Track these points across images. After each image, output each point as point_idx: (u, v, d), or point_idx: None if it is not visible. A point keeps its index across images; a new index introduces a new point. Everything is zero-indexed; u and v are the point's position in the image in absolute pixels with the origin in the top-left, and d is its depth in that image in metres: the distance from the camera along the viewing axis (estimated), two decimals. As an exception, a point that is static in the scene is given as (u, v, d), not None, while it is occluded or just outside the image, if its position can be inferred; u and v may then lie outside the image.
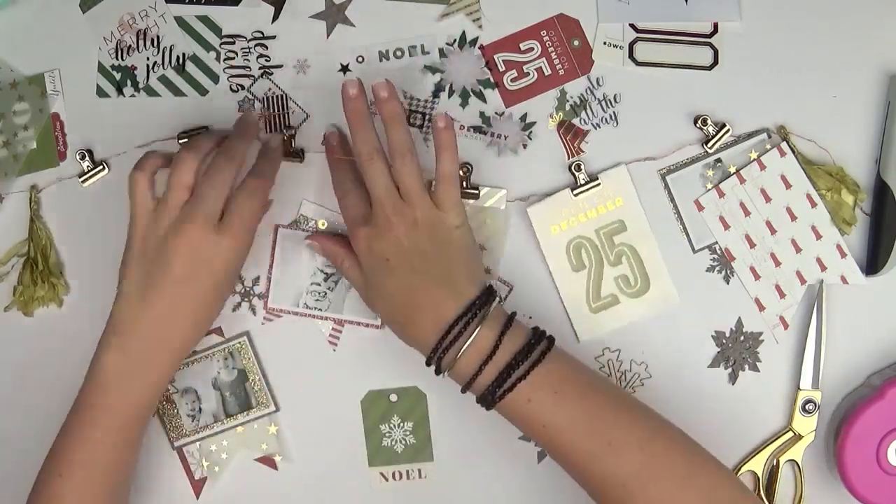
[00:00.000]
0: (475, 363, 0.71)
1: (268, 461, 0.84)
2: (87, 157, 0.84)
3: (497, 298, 0.74)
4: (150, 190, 0.76)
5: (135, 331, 0.74)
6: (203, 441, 0.84)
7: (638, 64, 0.83)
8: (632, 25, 0.83)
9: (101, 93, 0.85)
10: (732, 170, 0.82)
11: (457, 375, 0.73)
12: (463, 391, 0.73)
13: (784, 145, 0.81)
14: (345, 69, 0.84)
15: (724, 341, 0.82)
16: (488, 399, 0.71)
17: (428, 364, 0.73)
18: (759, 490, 0.81)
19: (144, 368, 0.75)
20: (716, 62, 0.82)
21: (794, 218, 0.81)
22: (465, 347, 0.71)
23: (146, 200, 0.75)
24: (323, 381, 0.83)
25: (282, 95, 0.84)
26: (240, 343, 0.83)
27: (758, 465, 0.81)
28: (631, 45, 0.83)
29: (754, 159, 0.82)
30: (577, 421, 0.70)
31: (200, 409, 0.84)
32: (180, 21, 0.85)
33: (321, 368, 0.84)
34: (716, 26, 0.83)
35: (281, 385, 0.84)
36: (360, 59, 0.84)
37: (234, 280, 0.79)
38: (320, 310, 0.83)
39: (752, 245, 0.82)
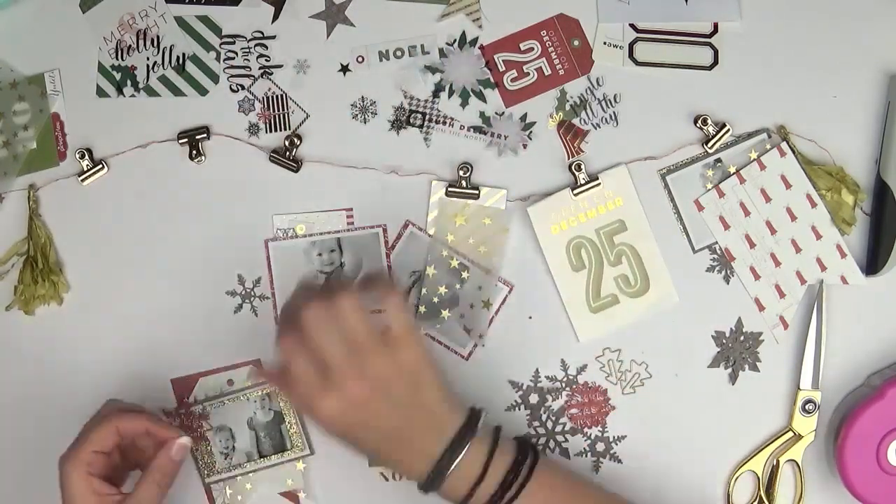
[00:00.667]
0: (465, 488, 0.70)
1: (291, 496, 0.84)
2: (87, 157, 0.84)
3: (481, 417, 0.72)
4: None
5: None
6: (234, 480, 0.84)
7: (638, 64, 0.83)
8: (632, 25, 0.83)
9: (101, 93, 0.85)
10: (732, 170, 0.82)
11: (449, 497, 0.72)
12: None
13: (784, 145, 0.81)
14: (345, 69, 0.84)
15: (724, 341, 0.82)
16: None
17: (424, 491, 0.72)
18: (759, 490, 0.81)
19: None
20: (716, 62, 0.82)
21: (794, 218, 0.81)
22: (451, 474, 0.70)
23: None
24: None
25: (282, 95, 0.84)
26: None
27: (758, 465, 0.81)
28: (631, 45, 0.83)
29: (754, 159, 0.82)
30: None
31: (234, 447, 0.84)
32: (180, 21, 0.85)
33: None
34: (716, 26, 0.83)
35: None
36: (360, 59, 0.84)
37: None
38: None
39: (752, 245, 0.82)
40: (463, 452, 0.70)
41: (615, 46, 0.83)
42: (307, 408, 0.71)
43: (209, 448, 0.84)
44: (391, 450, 0.72)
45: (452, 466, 0.70)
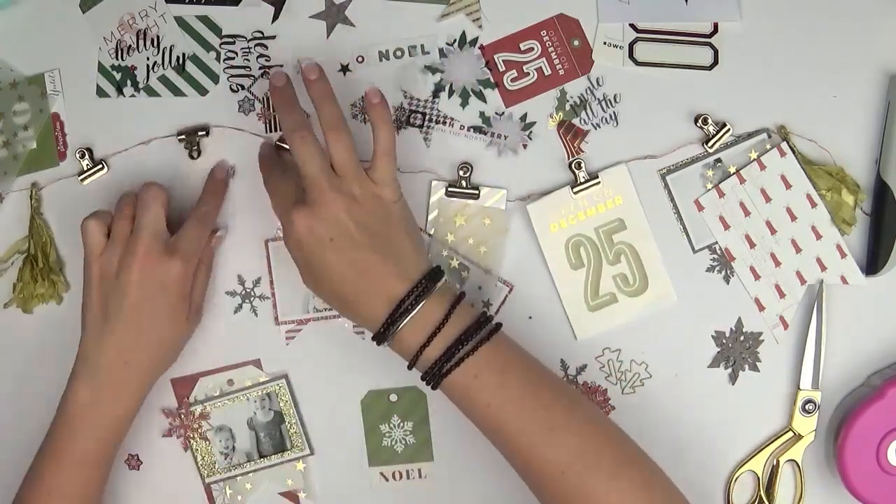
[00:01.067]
0: (423, 336, 0.71)
1: (291, 496, 0.84)
2: (87, 156, 0.84)
3: (444, 276, 0.74)
4: (103, 234, 0.77)
5: (101, 359, 0.76)
6: (233, 479, 0.84)
7: (638, 64, 0.83)
8: (632, 25, 0.83)
9: (101, 93, 0.85)
10: (732, 170, 0.82)
11: (403, 349, 0.73)
12: (410, 367, 0.73)
13: (784, 145, 0.81)
14: (345, 69, 0.84)
15: (724, 341, 0.82)
16: (435, 374, 0.71)
17: (377, 340, 0.73)
18: (759, 490, 0.81)
19: (114, 393, 0.77)
20: (716, 62, 0.82)
21: (794, 218, 0.81)
22: (412, 318, 0.71)
23: (98, 240, 0.77)
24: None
25: (282, 95, 0.84)
26: (278, 385, 0.83)
27: (758, 465, 0.81)
28: (631, 45, 0.83)
29: (754, 159, 0.82)
30: (521, 402, 0.71)
31: (234, 447, 0.84)
32: (180, 21, 0.85)
33: (354, 370, 0.84)
34: (716, 26, 0.83)
35: (316, 426, 0.84)
36: (360, 59, 0.84)
37: (186, 300, 0.79)
38: (331, 309, 0.83)
39: (752, 245, 0.82)
40: (426, 299, 0.71)
41: (615, 46, 0.83)
42: (283, 215, 0.75)
43: (209, 448, 0.84)
44: (354, 285, 0.72)
45: (414, 311, 0.71)
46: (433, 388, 0.72)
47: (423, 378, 0.73)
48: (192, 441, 0.83)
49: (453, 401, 0.73)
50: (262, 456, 0.84)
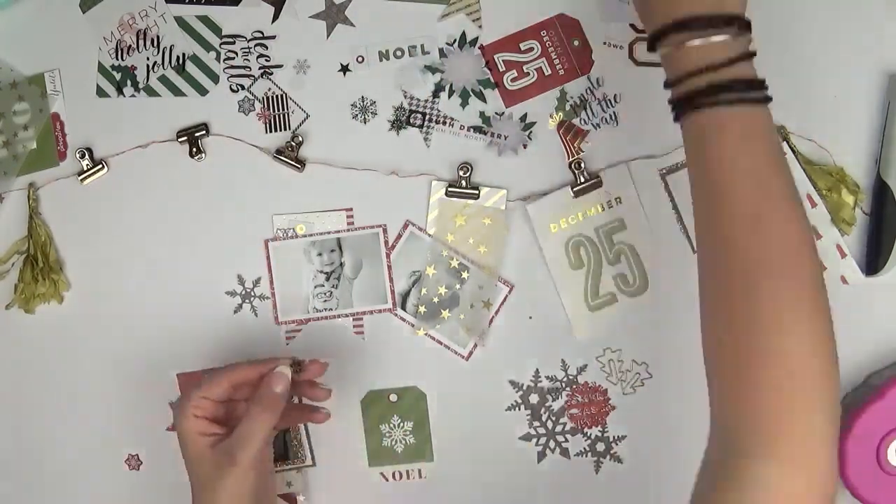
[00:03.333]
0: (703, 60, 0.66)
1: (290, 499, 0.84)
2: (87, 156, 0.84)
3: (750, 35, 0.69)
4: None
5: None
6: None
7: (638, 64, 0.83)
8: (632, 25, 0.83)
9: (101, 93, 0.85)
10: (732, 170, 0.82)
11: (675, 61, 0.67)
12: (667, 85, 0.68)
13: (784, 146, 0.81)
14: (345, 69, 0.84)
15: (724, 341, 0.82)
16: (691, 102, 0.66)
17: (655, 37, 0.68)
18: (759, 490, 0.81)
19: None
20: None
21: (793, 217, 0.81)
22: (707, 41, 0.66)
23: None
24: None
25: (282, 95, 0.84)
26: None
27: (758, 465, 0.81)
28: (631, 46, 0.83)
29: (754, 159, 0.82)
30: (751, 173, 0.66)
31: None
32: (180, 21, 0.85)
33: (354, 370, 0.84)
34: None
35: (316, 426, 0.84)
36: (360, 59, 0.84)
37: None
38: (331, 309, 0.83)
39: (752, 245, 0.82)
40: (741, 35, 0.67)
41: (615, 46, 0.83)
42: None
43: None
44: None
45: (723, 35, 0.66)
46: (676, 119, 0.68)
47: (672, 100, 0.68)
48: None
49: (685, 139, 0.68)
50: None
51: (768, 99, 0.68)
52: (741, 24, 0.68)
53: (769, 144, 0.67)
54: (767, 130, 0.68)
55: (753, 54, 0.68)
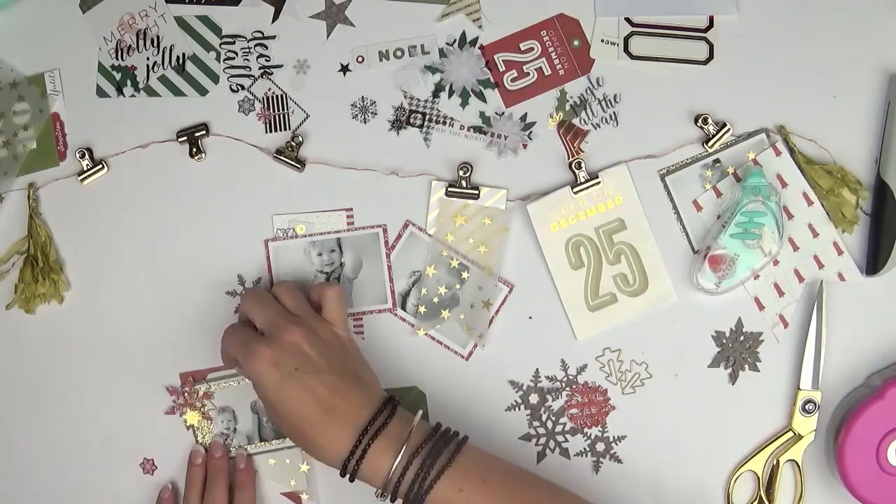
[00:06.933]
0: (393, 455, 0.70)
1: (294, 497, 0.84)
2: (87, 156, 0.84)
3: (399, 401, 0.74)
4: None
5: None
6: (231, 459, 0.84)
7: (633, 58, 0.83)
8: (627, 20, 0.83)
9: (101, 93, 0.85)
10: (731, 170, 0.82)
11: (374, 474, 0.71)
12: (383, 495, 0.71)
13: (780, 144, 0.81)
14: (345, 69, 0.84)
15: (724, 341, 0.82)
16: (419, 494, 0.69)
17: (345, 471, 0.72)
18: (759, 490, 0.81)
19: None
20: (711, 57, 0.82)
21: (790, 216, 0.81)
22: (382, 436, 0.70)
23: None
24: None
25: (282, 95, 0.84)
26: None
27: (758, 465, 0.81)
28: (626, 39, 0.83)
29: (752, 159, 0.82)
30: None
31: (236, 429, 0.84)
32: (180, 21, 0.85)
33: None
34: (711, 21, 0.83)
35: None
36: (360, 59, 0.84)
37: None
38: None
39: (752, 245, 0.82)
40: (393, 419, 0.71)
41: (611, 43, 0.83)
42: (243, 355, 0.73)
43: (211, 427, 0.84)
44: (320, 413, 0.71)
45: (385, 430, 0.71)
46: None
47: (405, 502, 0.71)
48: (190, 416, 0.83)
49: None
50: (262, 440, 0.84)
51: (465, 437, 0.73)
52: (391, 402, 0.73)
53: (499, 469, 0.72)
54: (487, 458, 0.73)
55: (418, 413, 0.73)
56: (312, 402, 0.72)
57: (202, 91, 0.85)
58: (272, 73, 0.84)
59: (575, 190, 0.82)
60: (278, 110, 0.84)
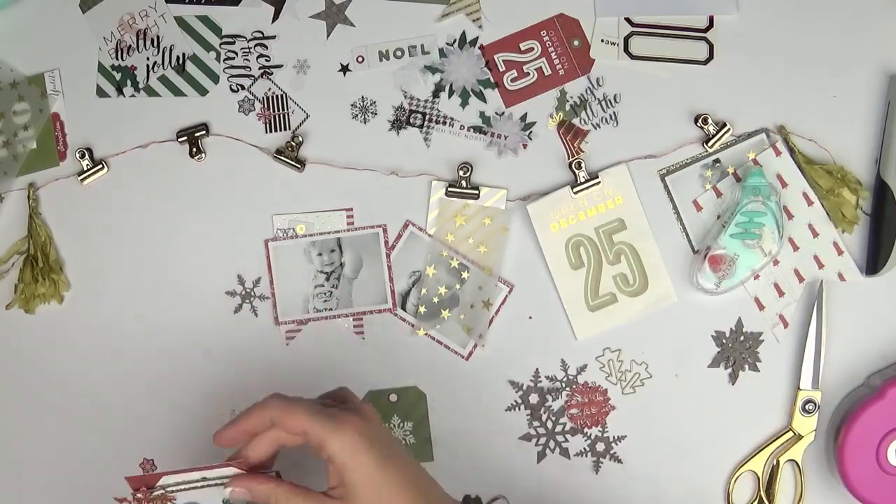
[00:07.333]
0: None
1: None
2: (87, 156, 0.84)
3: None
4: None
5: None
6: None
7: (633, 58, 0.83)
8: (627, 20, 0.83)
9: (101, 93, 0.85)
10: (731, 170, 0.82)
11: None
12: None
13: (780, 144, 0.81)
14: (345, 69, 0.84)
15: (724, 341, 0.82)
16: None
17: None
18: (759, 490, 0.81)
19: None
20: (711, 57, 0.82)
21: (790, 216, 0.81)
22: None
23: None
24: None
25: (282, 95, 0.84)
26: None
27: (758, 465, 0.81)
28: (626, 39, 0.83)
29: (752, 159, 0.82)
30: None
31: None
32: (180, 21, 0.85)
33: (354, 370, 0.84)
34: (711, 21, 0.83)
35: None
36: (360, 59, 0.84)
37: None
38: (331, 309, 0.83)
39: (752, 245, 0.82)
40: None
41: (611, 43, 0.83)
42: (330, 432, 0.63)
43: None
44: (415, 484, 0.64)
45: None
46: None
47: None
48: None
49: None
50: None
51: None
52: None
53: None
54: None
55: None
56: (413, 489, 0.63)
57: (202, 91, 0.85)
58: (272, 73, 0.84)
59: (575, 190, 0.82)
60: (278, 110, 0.84)
